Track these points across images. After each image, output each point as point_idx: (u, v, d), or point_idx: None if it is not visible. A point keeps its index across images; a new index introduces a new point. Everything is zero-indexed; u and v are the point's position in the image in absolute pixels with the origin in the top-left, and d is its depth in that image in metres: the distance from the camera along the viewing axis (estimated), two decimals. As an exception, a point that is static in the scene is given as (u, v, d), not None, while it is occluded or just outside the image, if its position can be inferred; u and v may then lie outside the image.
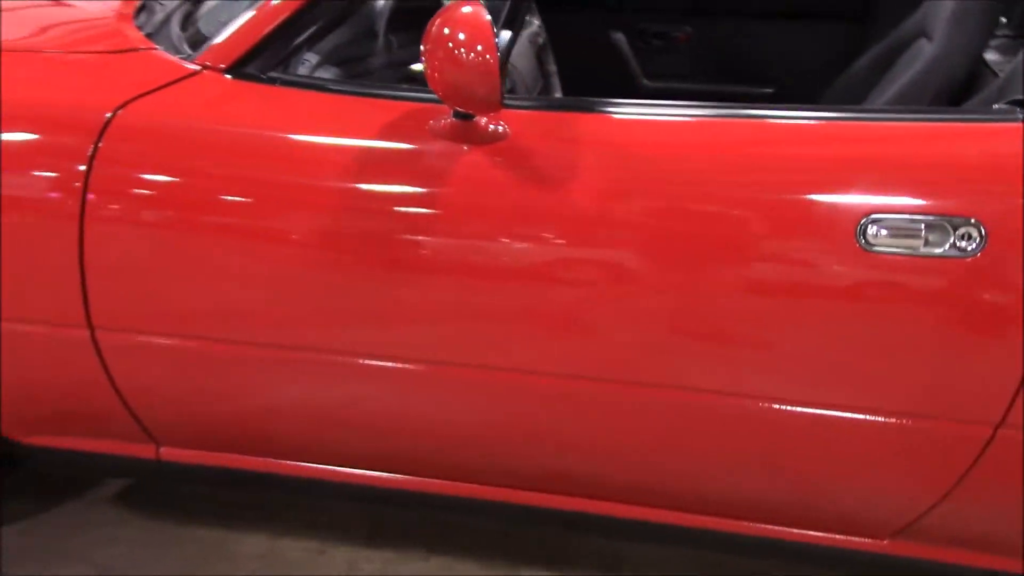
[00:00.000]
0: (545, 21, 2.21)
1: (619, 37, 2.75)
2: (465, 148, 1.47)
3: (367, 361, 1.58)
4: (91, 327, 1.61)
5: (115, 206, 1.54)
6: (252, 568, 1.95)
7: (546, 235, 1.46)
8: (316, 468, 1.78)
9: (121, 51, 1.67)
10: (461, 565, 1.97)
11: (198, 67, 1.60)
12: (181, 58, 1.64)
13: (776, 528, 1.67)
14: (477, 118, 1.46)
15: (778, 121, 1.47)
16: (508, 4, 1.46)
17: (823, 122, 1.46)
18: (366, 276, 1.51)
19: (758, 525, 1.68)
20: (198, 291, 1.56)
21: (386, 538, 2.04)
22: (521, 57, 1.88)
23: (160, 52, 1.66)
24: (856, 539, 1.65)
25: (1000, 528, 1.55)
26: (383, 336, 1.56)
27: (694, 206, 1.43)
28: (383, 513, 2.09)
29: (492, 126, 1.47)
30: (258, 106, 1.54)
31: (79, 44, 1.72)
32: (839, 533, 1.66)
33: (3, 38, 1.70)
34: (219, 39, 1.62)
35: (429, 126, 1.48)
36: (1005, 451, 1.46)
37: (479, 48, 1.29)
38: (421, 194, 1.47)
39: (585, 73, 2.39)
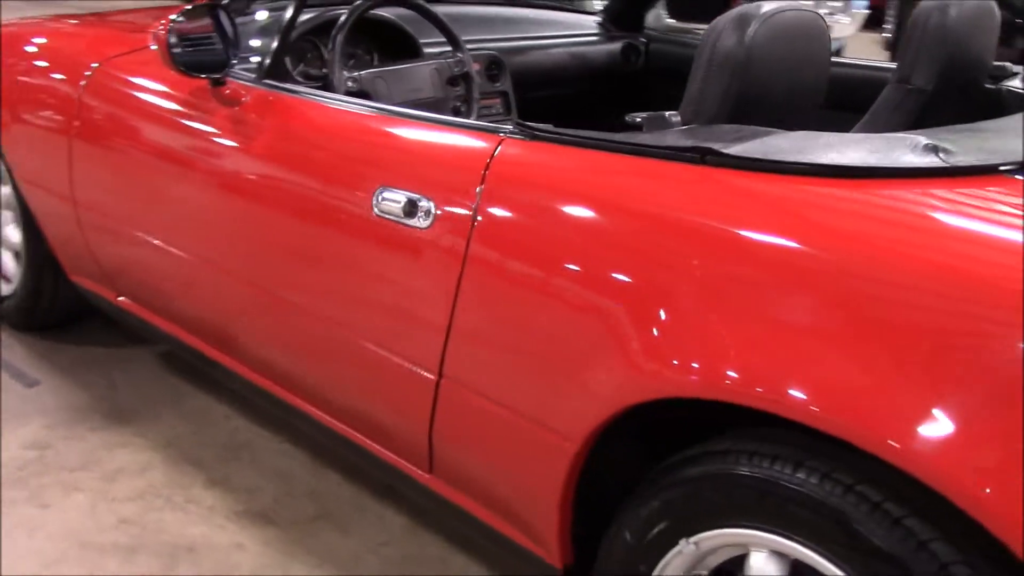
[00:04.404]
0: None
1: None
2: (221, 105, 2.04)
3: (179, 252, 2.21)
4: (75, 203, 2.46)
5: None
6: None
7: (233, 169, 2.00)
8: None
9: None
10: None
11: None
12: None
13: (358, 435, 1.92)
14: (223, 88, 2.03)
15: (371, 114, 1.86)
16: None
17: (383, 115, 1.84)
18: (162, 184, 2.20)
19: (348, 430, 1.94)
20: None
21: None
22: (425, 81, 2.39)
23: None
24: (410, 465, 1.80)
25: (488, 483, 1.64)
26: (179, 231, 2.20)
27: (301, 167, 1.88)
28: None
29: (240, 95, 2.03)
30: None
31: None
32: (400, 456, 1.84)
33: None
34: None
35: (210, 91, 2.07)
36: (454, 402, 1.61)
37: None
38: (196, 132, 2.11)
39: None
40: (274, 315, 1.99)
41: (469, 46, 2.68)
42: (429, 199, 1.59)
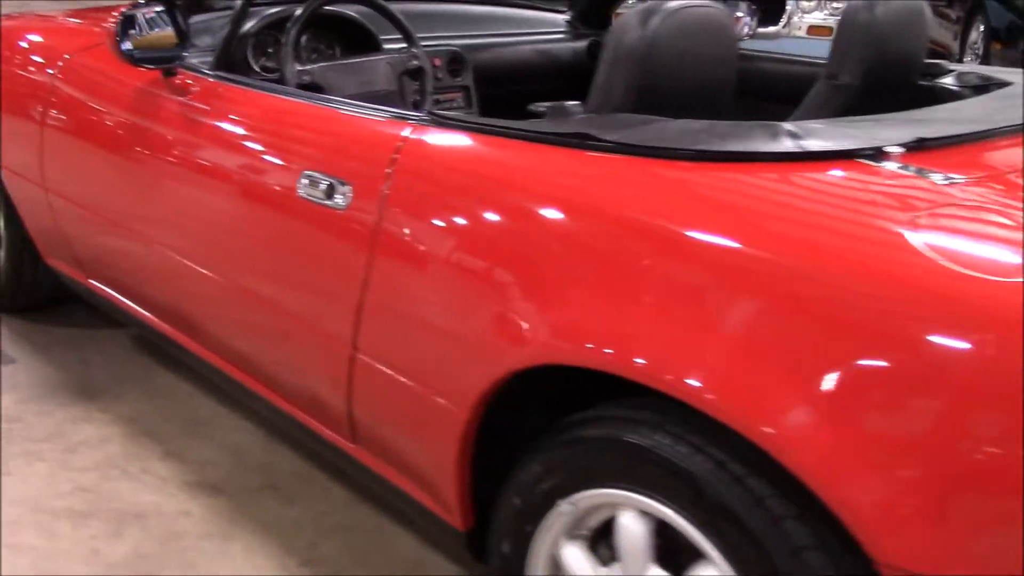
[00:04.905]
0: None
1: None
2: (171, 95, 2.17)
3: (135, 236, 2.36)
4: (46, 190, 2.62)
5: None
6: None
7: (180, 157, 2.12)
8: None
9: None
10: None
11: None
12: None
13: (295, 410, 2.00)
14: (174, 78, 2.16)
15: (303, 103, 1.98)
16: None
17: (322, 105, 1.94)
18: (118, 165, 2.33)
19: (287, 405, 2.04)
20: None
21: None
22: (378, 75, 2.49)
23: None
24: (337, 436, 1.88)
25: (400, 451, 1.73)
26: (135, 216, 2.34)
27: (238, 154, 2.01)
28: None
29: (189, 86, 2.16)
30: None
31: None
32: (328, 427, 1.92)
33: None
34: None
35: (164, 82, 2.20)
36: (366, 374, 1.69)
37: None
38: (149, 121, 2.23)
39: None
40: (220, 296, 2.10)
41: (435, 42, 2.78)
42: (347, 182, 1.69)
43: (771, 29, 7.64)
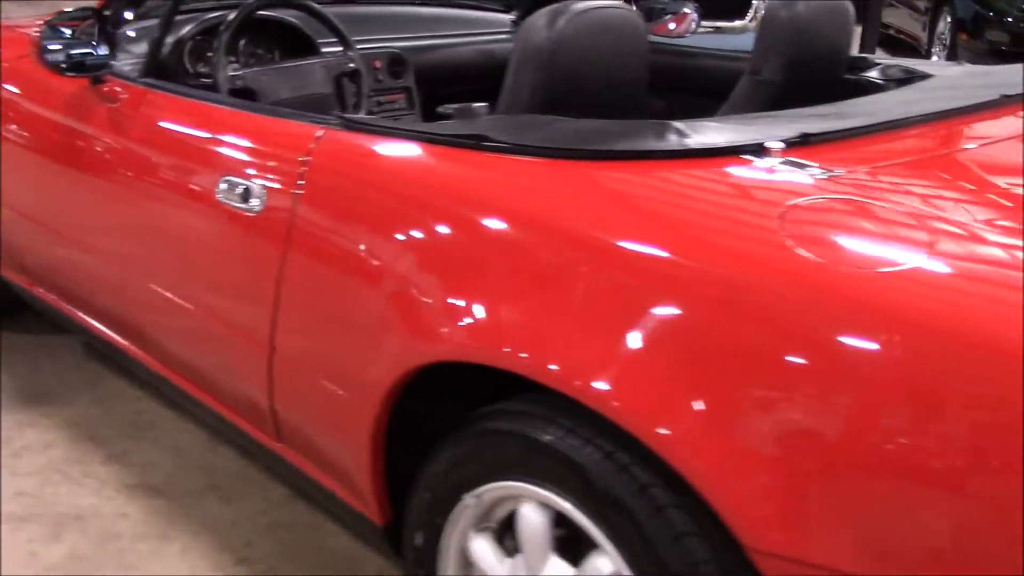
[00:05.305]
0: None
1: None
2: (99, 103, 2.21)
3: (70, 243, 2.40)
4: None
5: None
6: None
7: (108, 163, 2.18)
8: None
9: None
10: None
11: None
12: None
13: (227, 411, 2.03)
14: (102, 85, 2.19)
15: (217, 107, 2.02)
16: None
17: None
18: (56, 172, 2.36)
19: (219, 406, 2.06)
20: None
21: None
22: (312, 78, 2.52)
23: None
24: (264, 436, 1.91)
25: (321, 448, 1.76)
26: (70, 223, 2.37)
27: (162, 161, 2.04)
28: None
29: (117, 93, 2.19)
30: None
31: None
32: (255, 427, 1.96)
33: None
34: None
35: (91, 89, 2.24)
36: (284, 372, 1.75)
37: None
38: (77, 129, 2.27)
39: None
40: (151, 302, 2.12)
41: (378, 45, 2.81)
42: (261, 185, 1.72)
43: (737, 23, 7.69)
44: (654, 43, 3.04)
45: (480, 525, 1.50)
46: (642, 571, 1.24)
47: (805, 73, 2.13)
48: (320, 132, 1.67)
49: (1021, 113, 1.66)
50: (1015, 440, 0.96)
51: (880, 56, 2.59)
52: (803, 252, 1.13)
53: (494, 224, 1.37)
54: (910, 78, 2.23)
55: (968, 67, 2.37)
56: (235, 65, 2.44)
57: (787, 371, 1.09)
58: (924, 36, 8.97)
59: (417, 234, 1.46)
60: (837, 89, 2.21)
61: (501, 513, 1.48)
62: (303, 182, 1.63)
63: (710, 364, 1.14)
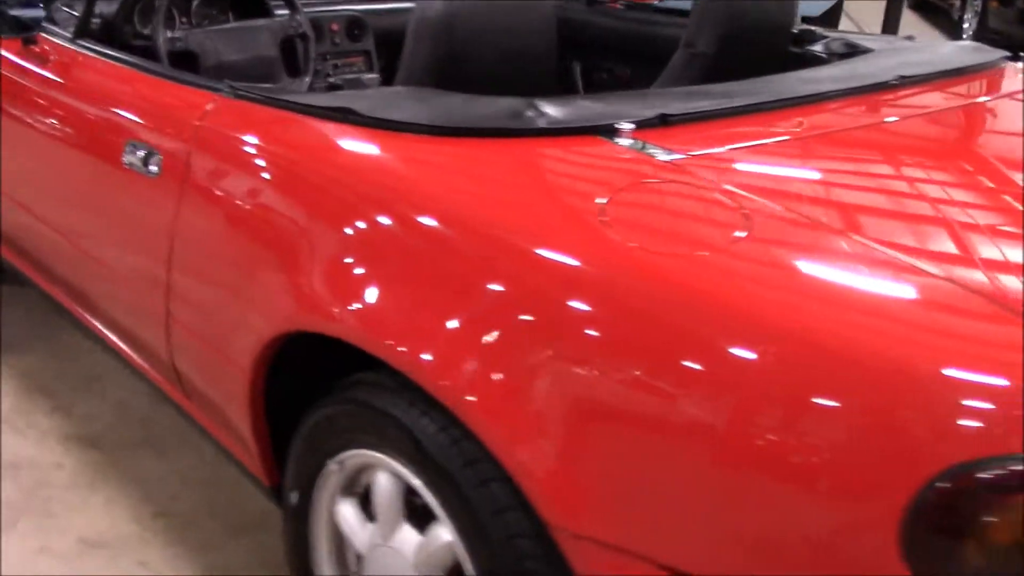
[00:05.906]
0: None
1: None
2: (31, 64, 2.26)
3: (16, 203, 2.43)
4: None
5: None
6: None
7: (37, 124, 2.21)
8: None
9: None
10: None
11: None
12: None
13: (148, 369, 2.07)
14: (34, 46, 2.23)
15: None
16: None
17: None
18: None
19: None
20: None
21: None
22: (257, 41, 2.52)
23: None
24: (179, 394, 1.95)
25: (216, 408, 1.79)
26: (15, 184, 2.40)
27: (79, 124, 2.08)
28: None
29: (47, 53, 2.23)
30: None
31: None
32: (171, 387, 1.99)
33: None
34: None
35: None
36: (178, 334, 1.79)
37: None
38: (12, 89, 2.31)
39: None
40: (80, 263, 2.18)
41: (337, 7, 2.82)
42: (159, 151, 1.75)
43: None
44: (617, 11, 3.03)
45: (349, 491, 1.54)
46: (469, 541, 1.28)
47: (741, 46, 2.11)
48: (211, 102, 1.70)
49: (911, 96, 1.65)
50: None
51: (830, 30, 2.54)
52: (613, 235, 1.15)
53: (343, 196, 1.39)
54: (851, 53, 2.21)
55: (912, 43, 2.32)
56: (186, 27, 2.47)
57: (584, 343, 1.11)
58: (957, 2, 8.75)
59: (281, 205, 1.49)
60: (777, 63, 2.19)
61: (366, 480, 1.52)
62: (193, 148, 1.67)
63: (513, 337, 1.16)
